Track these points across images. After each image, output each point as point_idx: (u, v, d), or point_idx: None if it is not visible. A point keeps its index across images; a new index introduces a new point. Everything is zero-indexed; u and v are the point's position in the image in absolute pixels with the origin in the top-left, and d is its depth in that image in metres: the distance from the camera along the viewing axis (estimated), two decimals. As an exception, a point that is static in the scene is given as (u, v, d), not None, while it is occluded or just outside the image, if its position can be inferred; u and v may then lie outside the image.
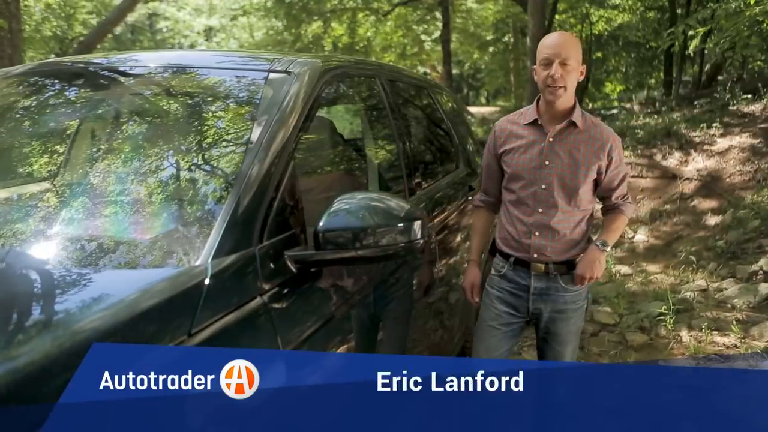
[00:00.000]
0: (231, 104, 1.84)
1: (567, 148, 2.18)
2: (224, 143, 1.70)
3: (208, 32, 25.44)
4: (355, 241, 1.48)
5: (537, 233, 2.20)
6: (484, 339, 2.35)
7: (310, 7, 16.57)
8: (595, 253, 2.20)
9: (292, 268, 1.48)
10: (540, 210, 2.19)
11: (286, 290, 1.45)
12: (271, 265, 1.43)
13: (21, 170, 1.72)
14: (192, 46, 24.42)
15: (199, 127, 1.76)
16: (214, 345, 1.19)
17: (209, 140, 1.71)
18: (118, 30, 22.91)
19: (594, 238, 2.31)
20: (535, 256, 2.23)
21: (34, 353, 0.97)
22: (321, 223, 1.50)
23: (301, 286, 1.51)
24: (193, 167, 1.64)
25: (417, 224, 1.56)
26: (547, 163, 2.18)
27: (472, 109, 21.00)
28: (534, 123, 2.22)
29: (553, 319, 2.29)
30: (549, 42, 2.12)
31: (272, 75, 1.84)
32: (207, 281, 1.23)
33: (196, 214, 1.47)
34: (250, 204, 1.43)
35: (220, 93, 1.89)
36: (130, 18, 22.90)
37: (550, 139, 2.18)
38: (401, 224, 1.53)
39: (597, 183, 2.24)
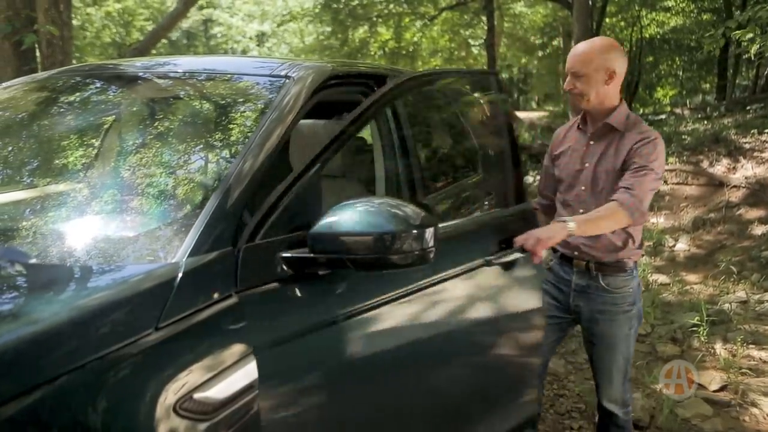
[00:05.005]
0: (225, 107, 1.86)
1: (602, 152, 2.25)
2: (213, 144, 1.73)
3: (260, 37, 25.96)
4: (349, 246, 1.40)
5: None
6: None
7: (357, 12, 16.68)
8: (553, 226, 2.10)
9: (279, 270, 1.44)
10: (581, 211, 2.27)
11: (269, 292, 1.42)
12: (256, 266, 1.40)
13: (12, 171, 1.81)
14: (244, 51, 24.97)
15: (190, 129, 1.80)
16: (182, 340, 1.21)
17: (198, 141, 1.75)
18: (174, 36, 23.61)
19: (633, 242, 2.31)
20: (576, 253, 2.34)
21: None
22: (315, 227, 1.44)
23: (287, 289, 1.47)
24: (180, 167, 1.67)
25: (429, 232, 1.42)
26: (586, 165, 2.28)
27: (522, 114, 20.74)
28: (580, 127, 2.36)
29: (595, 319, 2.36)
30: (569, 54, 2.28)
31: (271, 79, 1.86)
32: (179, 278, 1.25)
33: (178, 212, 1.49)
34: (235, 205, 1.42)
35: (216, 96, 1.92)
36: (185, 24, 23.57)
37: (591, 142, 2.29)
38: (414, 231, 1.39)
39: None
